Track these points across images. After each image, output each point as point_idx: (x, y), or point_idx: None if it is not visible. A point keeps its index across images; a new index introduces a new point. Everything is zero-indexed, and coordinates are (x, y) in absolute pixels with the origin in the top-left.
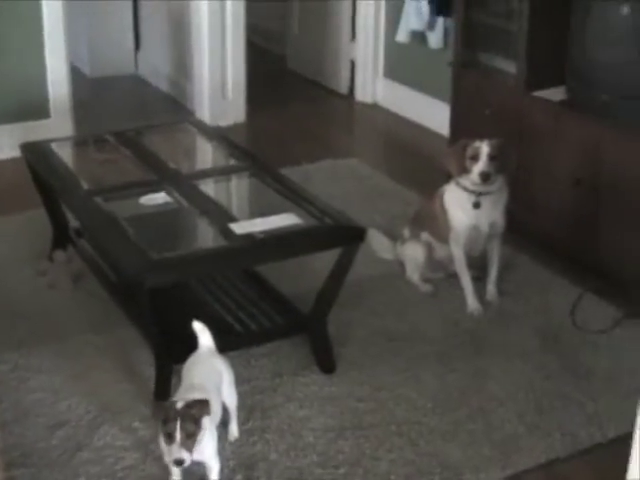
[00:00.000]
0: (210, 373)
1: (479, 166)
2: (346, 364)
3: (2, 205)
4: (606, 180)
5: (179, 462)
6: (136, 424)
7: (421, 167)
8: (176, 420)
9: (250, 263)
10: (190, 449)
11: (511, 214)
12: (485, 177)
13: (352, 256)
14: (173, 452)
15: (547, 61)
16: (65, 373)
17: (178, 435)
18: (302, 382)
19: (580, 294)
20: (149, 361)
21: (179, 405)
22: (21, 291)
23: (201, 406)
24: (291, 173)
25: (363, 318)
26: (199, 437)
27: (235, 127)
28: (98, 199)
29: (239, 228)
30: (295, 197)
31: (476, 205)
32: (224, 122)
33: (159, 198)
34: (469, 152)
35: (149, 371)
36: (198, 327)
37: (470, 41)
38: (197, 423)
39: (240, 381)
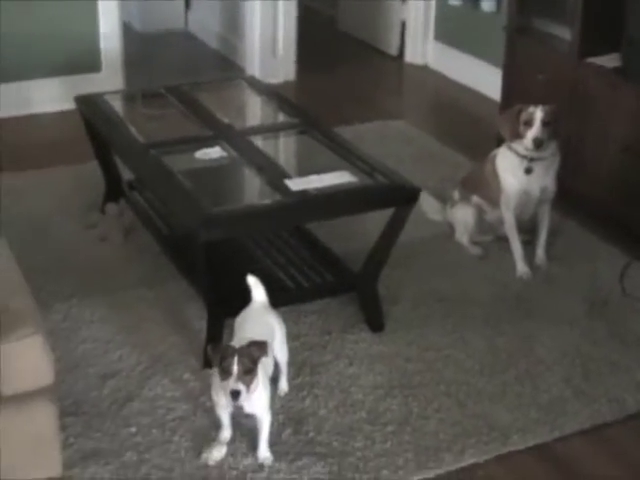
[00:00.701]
0: (263, 327)
1: (532, 132)
2: (395, 323)
3: (53, 157)
4: None
5: (235, 393)
6: (187, 376)
7: (470, 130)
8: (234, 356)
9: (306, 219)
10: (247, 385)
11: (560, 180)
12: (538, 143)
13: (406, 216)
14: (230, 384)
15: (602, 28)
16: (116, 324)
17: (235, 368)
18: (351, 340)
19: (628, 262)
20: (199, 315)
21: (237, 345)
22: (72, 243)
23: (259, 346)
24: (340, 133)
25: (412, 278)
26: (255, 381)
27: (285, 85)
28: (154, 152)
29: (294, 185)
30: (349, 155)
31: (528, 170)
32: (274, 80)
33: (214, 153)
34: (523, 117)
35: (199, 324)
36: (252, 281)
37: (524, 6)
38: (254, 362)
39: (290, 337)
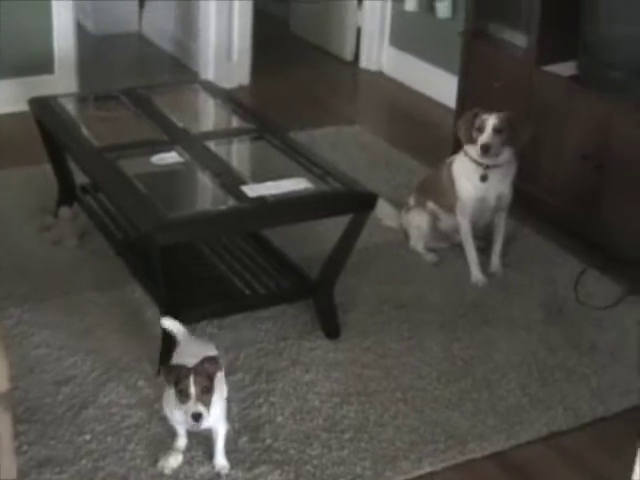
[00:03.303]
0: (207, 350)
1: (482, 138)
2: (351, 330)
3: (5, 158)
4: (612, 157)
5: (197, 416)
6: (141, 383)
7: (425, 137)
8: (189, 377)
9: (263, 225)
10: (207, 404)
11: (516, 186)
12: (485, 149)
13: (363, 223)
14: (190, 408)
15: (558, 35)
16: (70, 330)
17: (193, 390)
18: (307, 347)
19: (583, 269)
20: (154, 320)
21: (190, 364)
22: (25, 246)
23: (213, 362)
24: (295, 138)
25: (368, 285)
26: (213, 395)
27: (239, 90)
28: (109, 156)
29: (251, 190)
30: (305, 161)
31: (483, 178)
32: (228, 84)
33: (170, 157)
34: (477, 123)
35: (154, 330)
36: (168, 323)
37: (481, 12)
38: (211, 379)
39: (246, 344)
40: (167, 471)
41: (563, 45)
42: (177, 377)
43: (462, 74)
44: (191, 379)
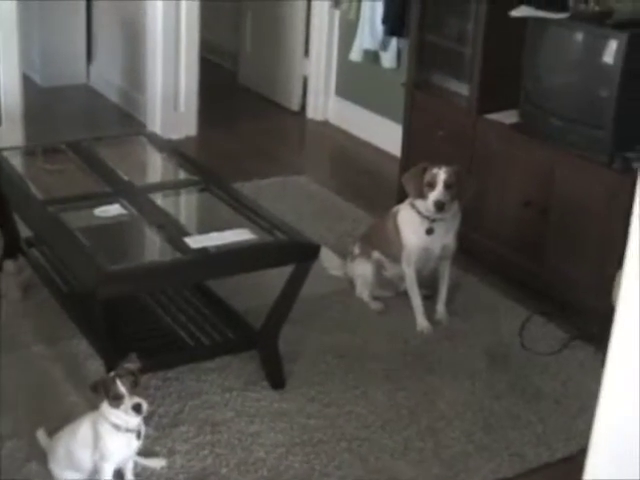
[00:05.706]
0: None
1: (434, 194)
2: (296, 380)
3: None
4: (555, 203)
5: (137, 407)
6: None
7: (371, 186)
8: (115, 380)
9: (205, 277)
10: (141, 395)
11: (461, 235)
12: (439, 206)
13: (306, 273)
14: (127, 403)
15: (500, 84)
16: (15, 384)
17: (123, 388)
18: (252, 397)
19: (528, 316)
20: (100, 372)
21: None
22: None
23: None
24: (241, 189)
25: (313, 335)
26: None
27: (186, 141)
28: (52, 209)
29: (194, 242)
30: (249, 212)
31: (429, 231)
32: (175, 135)
33: (113, 210)
34: (427, 178)
35: None
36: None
37: (424, 62)
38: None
39: (190, 395)
40: None
41: (505, 94)
42: (105, 386)
43: (406, 123)
44: (117, 381)
